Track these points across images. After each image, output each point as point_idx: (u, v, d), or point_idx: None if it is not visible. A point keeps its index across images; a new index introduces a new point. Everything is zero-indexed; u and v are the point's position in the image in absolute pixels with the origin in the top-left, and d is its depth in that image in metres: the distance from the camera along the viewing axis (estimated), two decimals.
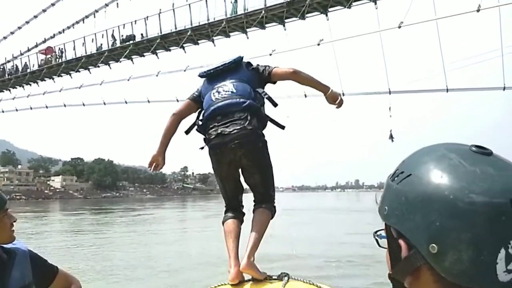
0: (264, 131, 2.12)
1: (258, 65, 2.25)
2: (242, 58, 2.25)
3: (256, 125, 2.03)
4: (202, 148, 2.16)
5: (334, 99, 2.23)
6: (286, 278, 1.83)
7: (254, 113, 2.04)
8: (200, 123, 2.16)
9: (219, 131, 2.02)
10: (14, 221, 1.55)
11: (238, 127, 1.99)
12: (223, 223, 2.12)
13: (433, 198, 0.52)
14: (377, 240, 0.63)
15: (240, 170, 2.13)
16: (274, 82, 2.25)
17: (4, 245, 1.53)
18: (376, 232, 0.64)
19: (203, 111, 2.17)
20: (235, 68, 2.21)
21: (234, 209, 2.15)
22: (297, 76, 2.20)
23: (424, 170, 0.55)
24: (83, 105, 27.58)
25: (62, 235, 18.75)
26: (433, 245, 0.51)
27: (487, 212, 0.49)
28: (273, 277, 1.90)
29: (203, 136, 2.14)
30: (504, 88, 16.48)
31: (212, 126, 2.06)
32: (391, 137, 17.70)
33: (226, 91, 2.10)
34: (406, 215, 0.54)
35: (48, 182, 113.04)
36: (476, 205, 0.49)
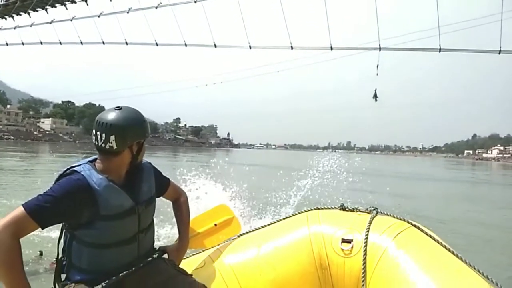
0: None
1: None
2: None
3: None
4: None
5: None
6: (374, 211, 1.97)
7: None
8: None
9: None
10: None
11: None
12: None
13: None
14: None
15: None
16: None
17: None
18: None
19: None
20: None
21: None
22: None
23: None
24: (60, 43, 26.03)
25: (57, 173, 18.29)
26: None
27: None
28: (361, 210, 2.00)
29: None
30: (499, 52, 15.42)
31: None
32: (375, 96, 16.75)
33: None
34: None
35: (37, 124, 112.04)
36: None
